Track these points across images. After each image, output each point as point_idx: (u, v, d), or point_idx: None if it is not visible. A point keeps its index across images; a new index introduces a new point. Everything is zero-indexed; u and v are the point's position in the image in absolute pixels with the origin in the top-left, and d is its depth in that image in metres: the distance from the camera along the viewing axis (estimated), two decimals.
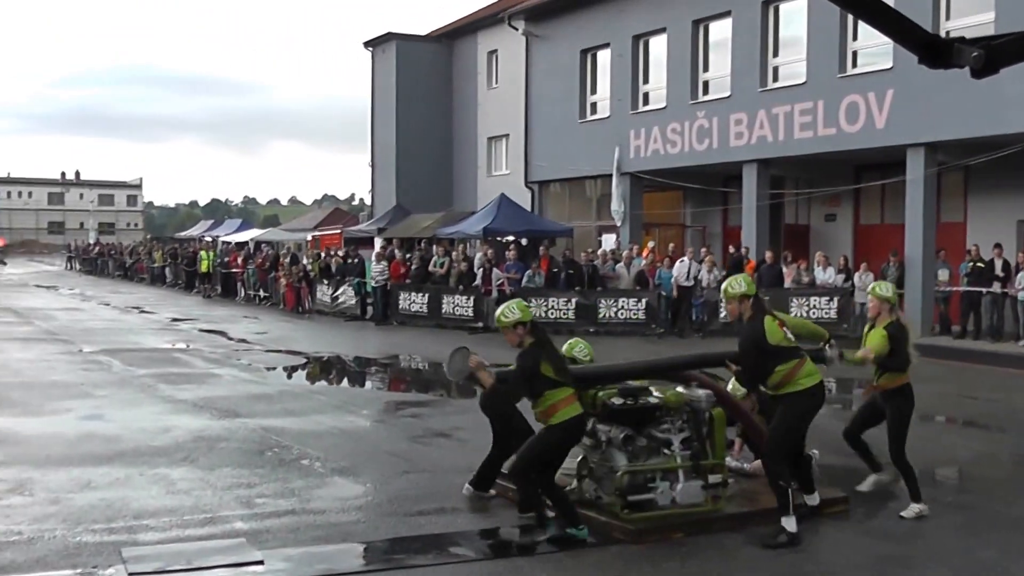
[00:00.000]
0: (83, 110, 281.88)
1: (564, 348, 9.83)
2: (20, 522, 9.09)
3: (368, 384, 19.04)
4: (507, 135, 41.42)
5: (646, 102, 34.21)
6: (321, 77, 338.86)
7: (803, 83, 28.48)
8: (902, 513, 9.46)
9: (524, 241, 33.10)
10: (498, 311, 9.38)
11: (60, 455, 11.91)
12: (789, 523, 8.62)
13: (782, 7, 29.71)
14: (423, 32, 47.44)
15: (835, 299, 25.70)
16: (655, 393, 9.50)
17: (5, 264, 76.18)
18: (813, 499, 9.38)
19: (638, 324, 27.24)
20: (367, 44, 47.21)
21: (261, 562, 8.03)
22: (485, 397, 9.89)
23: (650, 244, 30.82)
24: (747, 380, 9.38)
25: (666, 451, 9.28)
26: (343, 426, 13.84)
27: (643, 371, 10.27)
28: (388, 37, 45.62)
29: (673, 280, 27.49)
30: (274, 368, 20.16)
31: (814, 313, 25.45)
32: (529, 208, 37.72)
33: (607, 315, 27.41)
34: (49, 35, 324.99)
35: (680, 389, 9.70)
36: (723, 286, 9.31)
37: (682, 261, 28.02)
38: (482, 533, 9.02)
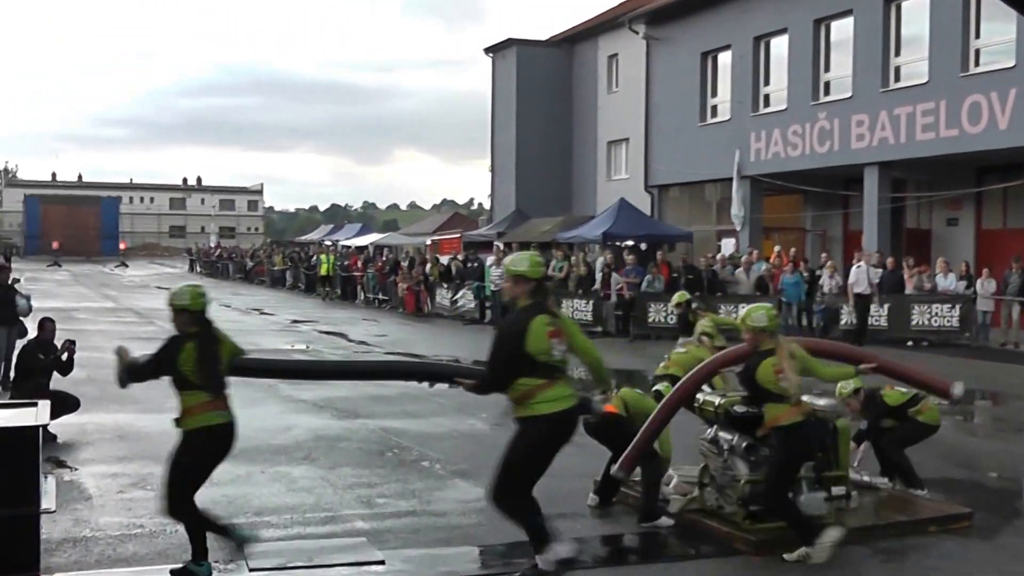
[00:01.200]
0: (203, 119, 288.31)
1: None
2: (142, 515, 9.32)
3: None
4: (627, 139, 41.27)
5: (767, 104, 33.82)
6: (442, 84, 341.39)
7: (925, 83, 27.89)
8: (785, 556, 8.28)
9: (643, 246, 32.93)
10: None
11: None
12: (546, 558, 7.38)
13: (904, 5, 29.13)
14: (543, 37, 47.52)
15: (957, 307, 25.08)
16: None
17: (127, 266, 78.16)
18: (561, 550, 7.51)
19: None
20: (488, 50, 47.46)
21: (382, 562, 8.10)
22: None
23: (776, 248, 30.37)
24: (486, 380, 7.83)
25: None
26: (463, 429, 13.90)
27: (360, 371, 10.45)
28: (508, 43, 45.81)
29: (850, 285, 26.45)
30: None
31: (935, 321, 24.88)
32: (648, 212, 37.55)
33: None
34: (168, 45, 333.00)
35: (805, 398, 9.53)
36: (504, 261, 8.19)
37: (858, 266, 26.16)
38: (603, 539, 8.99)
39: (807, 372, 8.31)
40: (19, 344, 15.55)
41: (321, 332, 28.67)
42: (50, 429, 9.64)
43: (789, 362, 8.14)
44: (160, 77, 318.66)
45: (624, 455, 9.16)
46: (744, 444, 9.00)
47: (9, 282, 17.57)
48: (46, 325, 13.84)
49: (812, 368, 8.48)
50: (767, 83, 33.94)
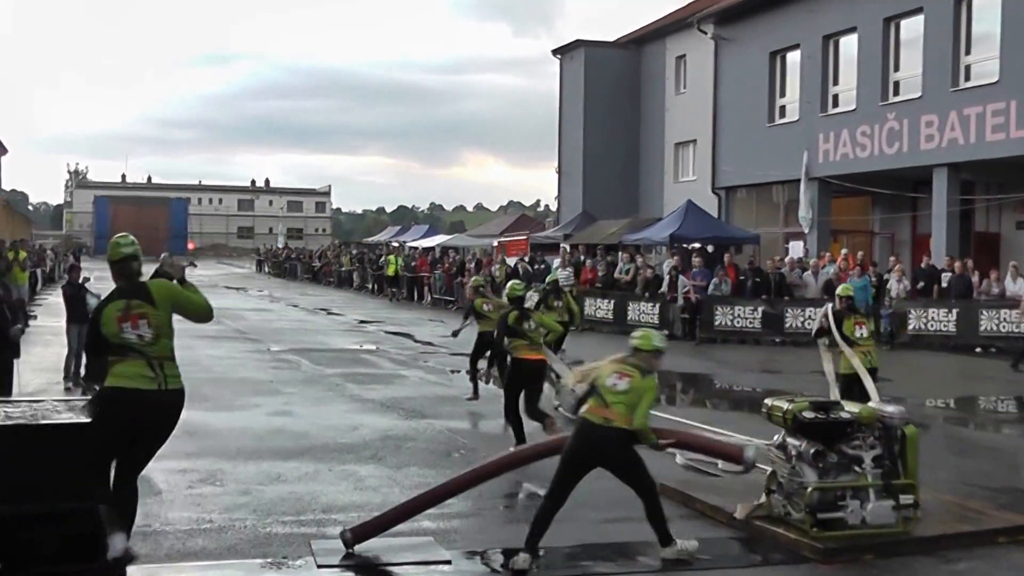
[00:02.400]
0: (271, 122, 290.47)
1: None
2: (211, 511, 9.45)
3: (553, 390, 19.05)
4: (694, 140, 41.11)
5: (835, 104, 33.50)
6: (510, 85, 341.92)
7: (995, 82, 27.45)
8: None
9: (710, 248, 32.78)
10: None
11: (250, 448, 12.34)
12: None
13: (975, 2, 28.65)
14: (612, 39, 47.47)
15: None
16: (847, 408, 9.27)
17: (195, 266, 78.75)
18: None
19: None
20: (555, 52, 47.49)
21: (448, 562, 8.16)
22: None
23: (842, 251, 30.08)
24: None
25: (857, 468, 9.04)
26: (529, 430, 13.86)
27: None
28: (577, 44, 45.82)
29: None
30: (459, 371, 20.39)
31: (1004, 327, 24.46)
32: (716, 214, 37.37)
33: (794, 324, 26.88)
34: (236, 48, 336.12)
35: (872, 404, 9.46)
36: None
37: None
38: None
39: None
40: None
41: (388, 333, 28.84)
42: None
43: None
44: (229, 80, 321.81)
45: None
46: (812, 451, 8.94)
47: (80, 281, 17.88)
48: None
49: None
50: (836, 83, 33.62)
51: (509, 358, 13.02)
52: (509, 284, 14.42)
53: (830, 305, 13.60)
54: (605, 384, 8.32)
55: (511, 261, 38.16)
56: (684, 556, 8.35)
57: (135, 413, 7.48)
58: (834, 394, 11.47)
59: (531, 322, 12.98)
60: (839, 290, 14.17)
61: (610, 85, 44.60)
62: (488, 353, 16.03)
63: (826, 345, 13.01)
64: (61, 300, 18.47)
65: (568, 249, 35.81)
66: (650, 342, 8.52)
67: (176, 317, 7.92)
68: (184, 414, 14.17)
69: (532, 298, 16.95)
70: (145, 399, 7.51)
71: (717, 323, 27.26)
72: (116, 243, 8.08)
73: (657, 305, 28.50)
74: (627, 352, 8.51)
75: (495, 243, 52.50)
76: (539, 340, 12.95)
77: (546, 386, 13.75)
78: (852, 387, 12.14)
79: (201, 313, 8.02)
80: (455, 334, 18.56)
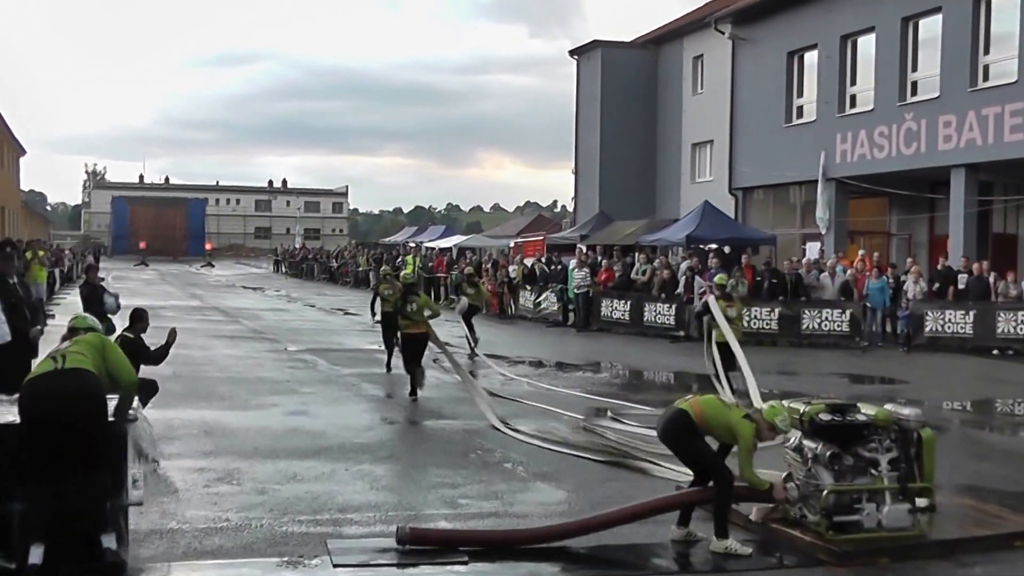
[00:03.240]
0: (288, 122, 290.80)
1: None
2: (228, 509, 9.49)
3: (569, 387, 19.08)
4: (711, 141, 41.06)
5: (853, 104, 33.42)
6: (527, 86, 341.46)
7: (1014, 82, 27.34)
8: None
9: (727, 249, 32.74)
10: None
11: (267, 448, 12.38)
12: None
13: (994, 1, 28.57)
14: (629, 39, 47.42)
15: None
16: (863, 410, 9.25)
17: (213, 266, 79.39)
18: None
19: (842, 336, 26.57)
20: (572, 52, 47.48)
21: (465, 562, 8.16)
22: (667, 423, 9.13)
23: (859, 253, 29.99)
24: None
25: (873, 471, 9.01)
26: (545, 431, 13.90)
27: None
28: (594, 45, 45.78)
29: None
30: (476, 371, 20.39)
31: (1021, 329, 24.35)
32: (732, 215, 37.32)
33: (810, 326, 26.82)
34: (254, 49, 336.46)
35: (889, 407, 9.44)
36: None
37: None
38: (684, 544, 8.90)
39: None
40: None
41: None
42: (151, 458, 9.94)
43: None
44: (247, 81, 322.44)
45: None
46: (828, 453, 8.91)
47: (97, 281, 17.95)
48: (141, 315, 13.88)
49: None
50: (853, 83, 33.53)
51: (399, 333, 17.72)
52: (402, 274, 19.16)
53: (712, 296, 18.36)
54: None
55: (528, 262, 38.21)
56: (731, 553, 8.48)
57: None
58: (712, 362, 16.83)
59: (413, 305, 16.92)
60: (716, 279, 19.47)
61: (627, 85, 44.56)
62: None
63: (707, 322, 17.76)
64: (79, 299, 18.57)
65: (584, 250, 35.80)
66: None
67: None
68: (201, 413, 14.52)
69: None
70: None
71: None
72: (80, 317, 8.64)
73: (673, 306, 28.45)
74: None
75: (512, 244, 52.56)
76: (419, 318, 16.81)
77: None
78: (725, 353, 16.41)
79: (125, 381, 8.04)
80: (375, 320, 21.82)
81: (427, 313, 16.99)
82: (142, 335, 13.18)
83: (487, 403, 14.98)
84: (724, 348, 16.47)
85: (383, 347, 20.64)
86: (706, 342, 17.32)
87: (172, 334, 13.27)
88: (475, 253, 50.31)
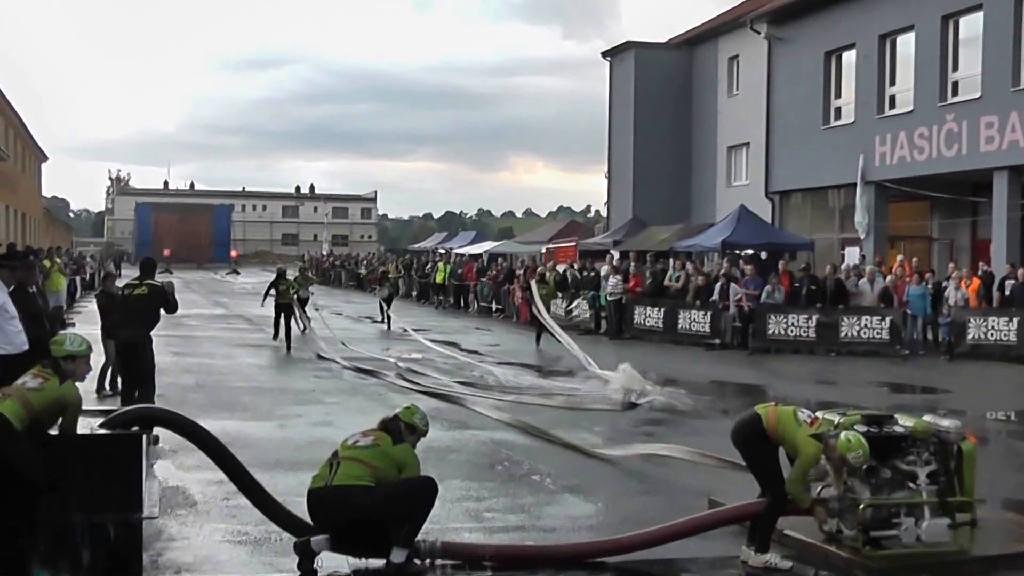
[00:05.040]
0: (316, 127, 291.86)
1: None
2: (247, 523, 9.48)
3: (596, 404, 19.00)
4: (747, 144, 40.93)
5: (892, 105, 33.21)
6: (560, 89, 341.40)
7: None
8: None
9: (763, 255, 32.59)
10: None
11: (289, 459, 12.39)
12: None
13: None
14: (663, 40, 47.35)
15: None
16: (901, 422, 9.13)
17: (239, 274, 79.77)
18: None
19: (882, 344, 26.34)
20: (605, 54, 47.46)
21: None
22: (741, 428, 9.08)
23: (898, 258, 29.77)
24: None
25: (911, 485, 8.87)
26: (575, 442, 13.85)
27: None
28: (627, 46, 45.74)
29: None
30: (500, 378, 20.37)
31: None
32: (769, 220, 37.16)
33: (849, 334, 26.61)
34: (282, 53, 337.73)
35: (927, 418, 9.32)
36: None
37: None
38: (714, 562, 8.88)
39: None
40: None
41: (434, 341, 28.86)
42: (153, 432, 9.85)
43: None
44: (275, 84, 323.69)
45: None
46: (865, 466, 8.80)
47: (114, 290, 18.03)
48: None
49: None
50: (892, 83, 33.31)
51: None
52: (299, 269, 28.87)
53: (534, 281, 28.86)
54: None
55: (560, 268, 38.14)
56: (771, 568, 8.43)
57: None
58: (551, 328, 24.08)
59: (281, 287, 27.59)
60: (539, 269, 27.14)
61: (661, 87, 44.49)
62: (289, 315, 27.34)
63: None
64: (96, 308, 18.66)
65: (616, 256, 35.70)
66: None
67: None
68: (223, 424, 14.53)
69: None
70: None
71: (770, 332, 27.04)
72: (59, 341, 8.45)
73: (708, 314, 28.33)
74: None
75: (543, 250, 52.54)
76: (286, 297, 27.52)
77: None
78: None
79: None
80: (263, 304, 29.91)
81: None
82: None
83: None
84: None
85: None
86: (539, 315, 25.88)
87: (170, 286, 14.24)
88: (506, 260, 50.19)
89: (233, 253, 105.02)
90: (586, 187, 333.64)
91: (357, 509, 7.94)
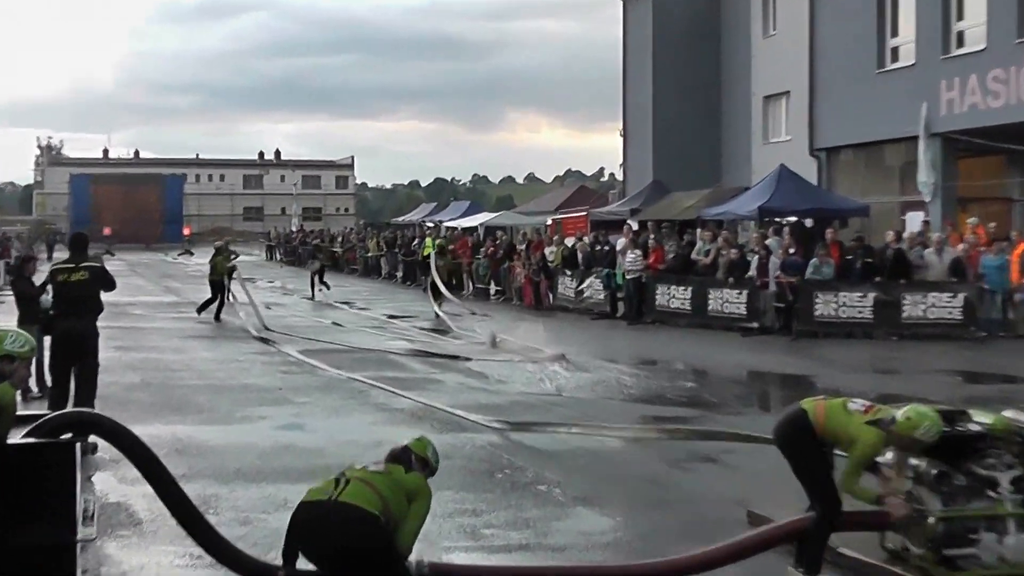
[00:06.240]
0: (282, 83, 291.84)
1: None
2: None
3: (618, 395, 18.96)
4: (787, 93, 40.82)
5: (960, 43, 33.07)
6: (564, 33, 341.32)
7: None
8: None
9: (808, 222, 32.44)
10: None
11: (252, 469, 12.36)
12: None
13: None
14: None
15: None
16: (977, 418, 8.97)
17: (192, 254, 79.77)
18: None
19: (953, 325, 26.19)
20: None
21: None
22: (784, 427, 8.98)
23: (969, 222, 29.58)
24: None
25: (991, 493, 8.70)
26: (588, 445, 13.77)
27: None
28: None
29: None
30: (507, 374, 20.29)
31: None
32: (815, 181, 37.04)
33: (912, 314, 26.46)
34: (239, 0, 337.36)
35: (1008, 414, 9.15)
36: None
37: None
38: None
39: None
40: None
41: (422, 329, 28.79)
42: (90, 440, 9.73)
43: None
44: (233, 35, 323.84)
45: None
46: (935, 472, 8.63)
47: (32, 275, 17.86)
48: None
49: None
50: (960, 17, 33.15)
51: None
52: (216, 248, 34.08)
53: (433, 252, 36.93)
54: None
55: (569, 242, 38.02)
56: None
57: None
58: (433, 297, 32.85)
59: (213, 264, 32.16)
60: (437, 241, 38.42)
61: (684, 29, 44.42)
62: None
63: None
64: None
65: (635, 227, 35.57)
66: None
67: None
68: (173, 428, 14.44)
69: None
70: None
71: (818, 313, 26.89)
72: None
73: (744, 292, 28.16)
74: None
75: (549, 221, 52.47)
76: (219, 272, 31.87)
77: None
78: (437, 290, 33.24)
79: None
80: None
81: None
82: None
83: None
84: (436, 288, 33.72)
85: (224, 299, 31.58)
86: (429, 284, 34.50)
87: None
88: (506, 233, 50.08)
89: (186, 231, 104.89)
90: (598, 147, 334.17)
91: (359, 537, 7.74)
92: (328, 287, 40.73)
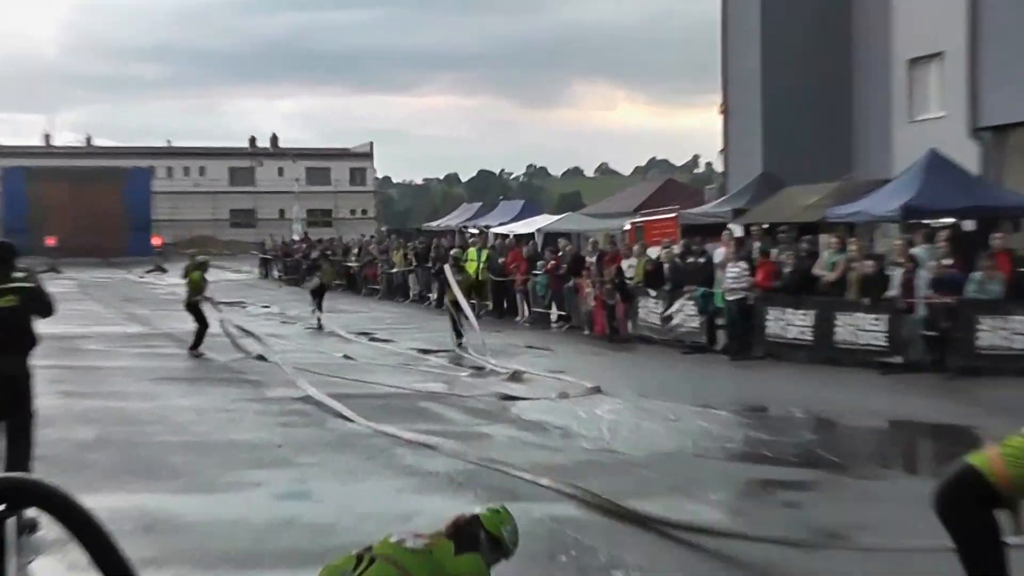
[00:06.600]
0: (279, 48, 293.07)
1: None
2: None
3: (719, 452, 18.95)
4: (939, 55, 40.76)
5: None
6: None
7: None
8: None
9: (969, 225, 32.33)
10: None
11: (243, 552, 12.46)
12: None
13: None
14: None
15: None
16: None
17: (165, 271, 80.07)
18: None
19: None
20: None
21: None
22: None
23: None
24: None
25: None
26: (676, 518, 13.75)
27: None
28: None
29: None
30: (572, 426, 20.30)
31: None
32: (977, 171, 36.91)
33: None
34: None
35: None
36: None
37: None
38: None
39: None
40: None
41: (461, 366, 28.83)
42: (28, 514, 9.77)
43: None
44: None
45: None
46: None
47: None
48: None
49: None
50: None
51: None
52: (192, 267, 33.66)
53: (447, 265, 37.69)
54: None
55: (653, 253, 37.95)
56: None
57: None
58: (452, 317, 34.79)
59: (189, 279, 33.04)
60: (452, 252, 40.90)
61: None
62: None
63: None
64: None
65: (739, 233, 35.55)
66: None
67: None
68: (139, 499, 14.52)
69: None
70: None
71: (981, 344, 26.77)
72: None
73: (883, 318, 28.08)
74: None
75: (628, 225, 52.43)
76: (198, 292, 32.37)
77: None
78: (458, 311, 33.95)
79: None
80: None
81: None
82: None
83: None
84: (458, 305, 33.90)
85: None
86: (448, 302, 36.03)
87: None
88: (570, 241, 50.07)
89: (156, 241, 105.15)
90: (690, 129, 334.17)
91: None
92: (320, 310, 41.55)
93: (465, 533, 8.11)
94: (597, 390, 23.54)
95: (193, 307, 32.10)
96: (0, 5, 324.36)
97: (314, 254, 59.89)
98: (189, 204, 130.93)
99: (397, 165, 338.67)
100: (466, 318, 33.42)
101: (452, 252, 42.87)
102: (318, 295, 42.30)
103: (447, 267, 37.32)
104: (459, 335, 33.92)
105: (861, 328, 28.48)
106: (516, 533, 8.34)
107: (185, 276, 33.59)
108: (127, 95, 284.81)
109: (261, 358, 28.87)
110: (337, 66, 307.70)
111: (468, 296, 35.18)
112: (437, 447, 17.85)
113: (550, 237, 53.75)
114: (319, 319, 40.86)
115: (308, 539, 12.87)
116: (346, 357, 30.64)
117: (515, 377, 26.45)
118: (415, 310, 48.77)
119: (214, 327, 31.57)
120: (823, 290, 30.13)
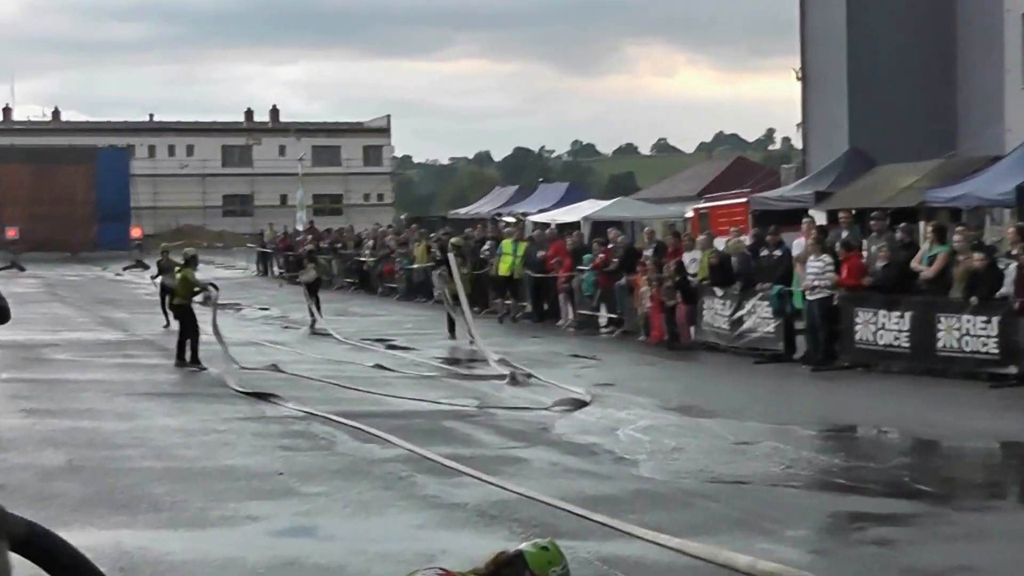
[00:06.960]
0: (280, 4, 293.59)
1: None
2: None
3: (798, 481, 18.97)
4: None
5: None
6: None
7: None
8: None
9: None
10: None
11: None
12: None
13: None
14: None
15: None
16: None
17: (146, 267, 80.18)
18: None
19: None
20: None
21: None
22: None
23: None
24: None
25: None
26: (746, 558, 13.76)
27: None
28: None
29: None
30: (629, 450, 20.32)
31: None
32: None
33: None
34: None
35: None
36: None
37: None
38: None
39: None
40: None
41: (493, 379, 28.87)
42: None
43: None
44: None
45: None
46: None
47: None
48: None
49: None
50: None
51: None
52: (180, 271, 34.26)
53: (451, 254, 40.01)
54: None
55: (720, 244, 37.91)
56: None
57: None
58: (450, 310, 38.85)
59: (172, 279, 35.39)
60: (452, 241, 44.48)
61: None
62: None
63: (441, 276, 40.68)
64: None
65: (821, 220, 35.52)
66: None
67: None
68: (115, 535, 14.61)
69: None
70: None
71: None
72: None
73: (994, 321, 28.00)
74: None
75: (690, 212, 52.46)
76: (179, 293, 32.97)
77: None
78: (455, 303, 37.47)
79: None
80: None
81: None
82: None
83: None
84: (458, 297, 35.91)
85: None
86: (446, 294, 39.08)
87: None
88: (623, 231, 50.05)
89: (135, 232, 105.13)
90: (763, 98, 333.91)
91: None
92: (318, 309, 43.45)
93: (505, 571, 8.09)
94: (584, 404, 24.05)
95: (182, 309, 31.84)
96: None
97: (303, 249, 59.93)
98: (174, 189, 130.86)
99: (418, 142, 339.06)
100: (462, 314, 35.41)
101: (453, 241, 45.06)
102: (313, 291, 43.93)
103: (451, 256, 39.19)
104: (452, 330, 37.94)
105: (968, 333, 28.40)
106: (568, 571, 8.29)
107: (161, 273, 35.30)
108: (101, 61, 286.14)
109: (276, 368, 29.04)
110: (349, 26, 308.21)
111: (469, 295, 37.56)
112: (465, 474, 17.92)
113: (599, 226, 53.79)
114: (314, 320, 42.67)
115: None
116: (378, 366, 30.96)
117: (514, 380, 27.08)
118: (439, 312, 48.75)
119: (205, 332, 31.26)
120: (922, 288, 30.08)
